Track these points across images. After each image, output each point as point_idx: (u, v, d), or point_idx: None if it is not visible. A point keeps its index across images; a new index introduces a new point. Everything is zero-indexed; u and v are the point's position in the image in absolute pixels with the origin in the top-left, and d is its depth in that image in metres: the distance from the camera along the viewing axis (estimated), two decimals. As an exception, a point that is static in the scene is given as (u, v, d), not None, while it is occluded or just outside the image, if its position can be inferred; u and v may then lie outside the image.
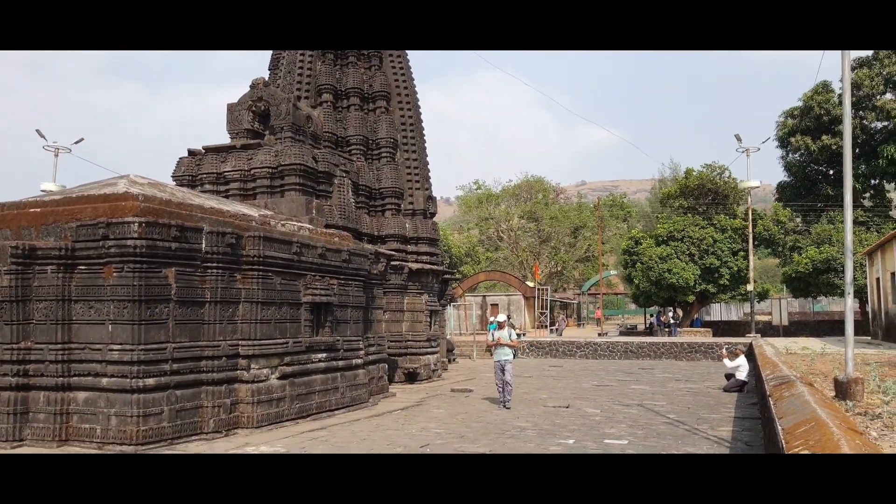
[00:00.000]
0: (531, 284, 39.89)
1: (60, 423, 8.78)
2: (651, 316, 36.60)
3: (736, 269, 30.87)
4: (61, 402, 8.82)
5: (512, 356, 12.49)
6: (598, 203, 50.23)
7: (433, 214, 18.51)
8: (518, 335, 12.88)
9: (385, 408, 12.52)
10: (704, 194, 33.49)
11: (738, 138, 29.34)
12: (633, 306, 56.14)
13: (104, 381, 8.72)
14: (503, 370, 12.28)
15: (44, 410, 8.83)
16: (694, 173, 35.10)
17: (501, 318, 12.92)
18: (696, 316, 34.11)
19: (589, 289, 51.93)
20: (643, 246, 32.01)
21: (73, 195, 9.71)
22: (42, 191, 25.00)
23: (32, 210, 9.46)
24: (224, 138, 15.05)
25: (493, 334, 12.77)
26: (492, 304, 43.60)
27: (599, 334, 33.47)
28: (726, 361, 15.32)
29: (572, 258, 52.46)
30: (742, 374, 14.69)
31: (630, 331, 39.75)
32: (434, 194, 18.81)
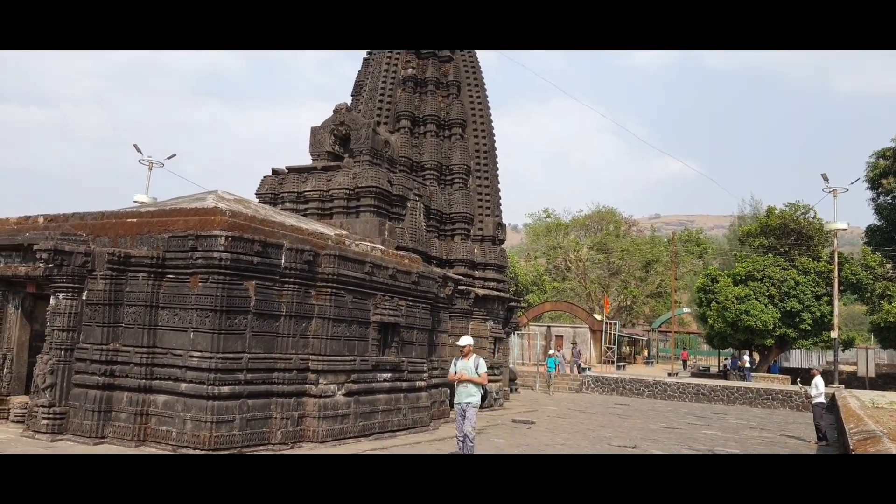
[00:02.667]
0: (598, 317, 39.05)
1: (140, 423, 9.24)
2: (725, 359, 34.94)
3: (819, 314, 29.20)
4: (142, 403, 9.29)
5: (478, 398, 8.96)
6: (672, 237, 48.85)
7: (502, 241, 18.54)
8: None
9: (445, 433, 12.49)
10: (787, 234, 32.04)
11: (825, 178, 27.99)
12: (706, 347, 53.93)
13: (183, 385, 9.13)
14: (464, 416, 8.82)
15: (125, 410, 9.32)
16: (776, 212, 33.68)
17: (465, 340, 9.27)
18: (773, 361, 32.41)
19: (660, 326, 50.26)
20: (720, 284, 30.81)
21: (166, 208, 10.34)
22: (135, 202, 26.65)
23: (129, 220, 10.12)
24: (299, 157, 15.71)
25: (455, 365, 9.19)
26: (556, 335, 42.91)
27: (669, 374, 32.29)
28: (812, 391, 14.30)
29: (643, 293, 51.07)
30: (817, 395, 13.81)
31: (702, 373, 38.15)
32: (503, 221, 18.87)
